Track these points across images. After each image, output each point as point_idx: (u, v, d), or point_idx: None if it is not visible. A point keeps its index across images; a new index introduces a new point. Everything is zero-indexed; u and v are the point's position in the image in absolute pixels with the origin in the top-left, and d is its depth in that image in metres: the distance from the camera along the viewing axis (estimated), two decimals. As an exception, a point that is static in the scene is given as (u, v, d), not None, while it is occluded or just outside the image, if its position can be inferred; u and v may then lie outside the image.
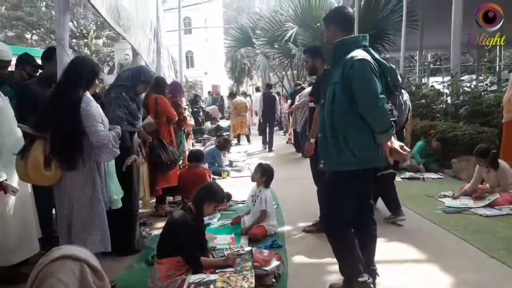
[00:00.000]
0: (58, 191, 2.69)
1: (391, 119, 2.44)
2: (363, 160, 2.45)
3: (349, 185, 2.53)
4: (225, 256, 3.02)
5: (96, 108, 2.67)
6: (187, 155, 5.89)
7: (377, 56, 2.54)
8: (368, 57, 2.43)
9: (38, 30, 31.82)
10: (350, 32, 2.67)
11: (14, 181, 2.79)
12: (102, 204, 2.76)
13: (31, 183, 2.76)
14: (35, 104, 3.07)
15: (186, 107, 10.15)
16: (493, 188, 4.83)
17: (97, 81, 2.79)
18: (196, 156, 5.53)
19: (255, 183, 4.26)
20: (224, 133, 11.59)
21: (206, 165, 6.35)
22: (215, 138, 9.33)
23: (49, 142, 2.55)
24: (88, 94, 2.68)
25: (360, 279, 2.47)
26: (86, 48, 29.15)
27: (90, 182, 2.69)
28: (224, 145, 7.55)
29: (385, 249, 3.54)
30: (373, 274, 2.67)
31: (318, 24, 13.44)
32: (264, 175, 4.19)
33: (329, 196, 2.68)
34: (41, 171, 2.50)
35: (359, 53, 2.43)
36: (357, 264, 2.52)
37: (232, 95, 12.94)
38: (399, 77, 2.68)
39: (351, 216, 2.59)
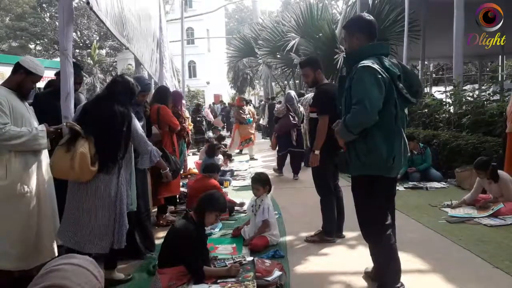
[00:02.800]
0: (80, 189, 2.76)
1: (357, 127, 2.48)
2: (369, 165, 2.52)
3: (366, 189, 2.61)
4: (226, 266, 3.00)
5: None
6: (199, 164, 5.90)
7: (389, 63, 2.55)
8: (375, 65, 2.44)
9: (42, 41, 32.14)
10: (374, 38, 2.70)
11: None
12: (125, 206, 2.91)
13: (68, 178, 2.77)
14: (44, 114, 3.16)
15: (189, 116, 10.20)
16: (496, 198, 4.80)
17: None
18: (211, 168, 5.44)
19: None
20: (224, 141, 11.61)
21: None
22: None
23: (95, 144, 2.72)
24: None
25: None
26: (89, 58, 29.39)
27: (115, 185, 2.84)
28: (211, 151, 7.35)
29: (388, 259, 3.51)
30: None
31: (320, 34, 13.52)
32: (263, 185, 4.13)
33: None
34: (88, 165, 2.64)
35: (367, 61, 2.47)
36: (398, 271, 2.62)
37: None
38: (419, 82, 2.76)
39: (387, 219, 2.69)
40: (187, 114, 10.26)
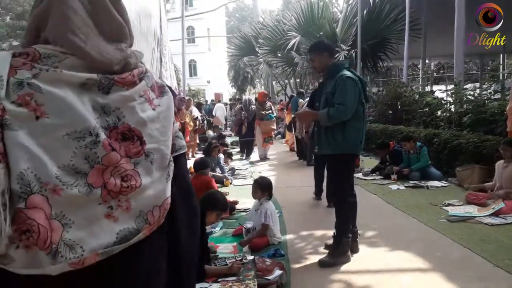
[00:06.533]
0: None
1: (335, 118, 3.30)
2: (345, 146, 3.35)
3: (341, 165, 3.46)
4: (227, 264, 3.00)
5: None
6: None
7: (358, 74, 3.53)
8: (354, 76, 3.33)
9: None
10: (334, 57, 3.85)
11: None
12: None
13: None
14: None
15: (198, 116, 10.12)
16: (500, 188, 4.82)
17: None
18: (200, 164, 5.52)
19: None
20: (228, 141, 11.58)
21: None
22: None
23: None
24: None
25: (347, 239, 3.43)
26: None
27: None
28: (208, 150, 7.43)
29: (388, 258, 3.51)
30: (355, 234, 3.61)
31: (321, 33, 13.52)
32: (263, 190, 4.08)
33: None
34: None
35: (348, 73, 3.35)
36: (350, 225, 3.50)
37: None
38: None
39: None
40: (196, 113, 10.19)
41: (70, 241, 0.85)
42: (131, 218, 0.94)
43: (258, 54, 18.06)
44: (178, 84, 14.76)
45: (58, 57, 0.90)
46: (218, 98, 28.39)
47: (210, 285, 2.69)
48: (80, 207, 0.87)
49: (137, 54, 1.05)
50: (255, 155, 10.56)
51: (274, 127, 10.70)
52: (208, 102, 23.20)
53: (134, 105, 0.97)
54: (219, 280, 2.78)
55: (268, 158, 10.22)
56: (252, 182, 5.20)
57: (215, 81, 37.26)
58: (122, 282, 0.95)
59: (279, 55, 16.94)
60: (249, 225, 4.14)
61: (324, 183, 5.49)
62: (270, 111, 10.22)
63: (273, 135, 10.66)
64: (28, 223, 0.81)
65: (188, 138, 9.03)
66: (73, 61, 0.92)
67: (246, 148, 10.65)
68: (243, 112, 10.19)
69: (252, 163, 9.76)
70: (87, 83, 0.91)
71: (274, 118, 10.73)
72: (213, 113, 16.72)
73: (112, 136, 0.93)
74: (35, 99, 0.85)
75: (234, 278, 2.79)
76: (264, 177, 4.38)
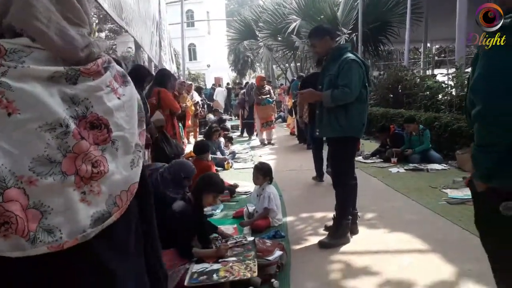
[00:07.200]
0: None
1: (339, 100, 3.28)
2: (348, 129, 3.33)
3: (343, 148, 3.46)
4: (228, 246, 3.03)
5: None
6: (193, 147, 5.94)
7: (361, 57, 3.54)
8: (357, 59, 3.32)
9: (41, 24, 31.74)
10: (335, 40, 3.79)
11: None
12: None
13: None
14: None
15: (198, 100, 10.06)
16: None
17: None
18: (201, 148, 5.54)
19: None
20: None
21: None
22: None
23: None
24: None
25: (347, 221, 3.47)
26: (89, 41, 29.13)
27: None
28: (209, 134, 7.44)
29: (388, 239, 3.55)
30: (355, 216, 3.65)
31: (322, 17, 13.38)
32: (264, 175, 4.11)
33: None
34: None
35: (352, 55, 3.33)
36: (350, 207, 3.53)
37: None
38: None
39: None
40: (196, 97, 10.09)
41: (50, 226, 0.92)
42: (103, 201, 1.01)
43: (258, 38, 17.92)
44: (178, 68, 14.68)
45: (24, 52, 0.93)
46: (218, 82, 28.19)
47: (211, 265, 2.72)
48: (57, 194, 0.93)
49: (99, 44, 1.08)
50: (256, 141, 10.56)
51: (273, 112, 10.34)
52: (208, 87, 23.10)
53: (102, 95, 1.03)
54: (220, 260, 2.81)
55: (272, 144, 9.97)
56: (252, 165, 5.23)
57: (215, 65, 37.02)
58: (98, 257, 1.03)
59: (279, 38, 16.80)
60: (251, 208, 4.17)
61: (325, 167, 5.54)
62: (268, 96, 9.97)
63: (274, 120, 10.45)
64: (6, 215, 0.87)
65: (189, 123, 9.00)
66: (39, 54, 0.95)
67: (246, 129, 11.34)
68: (245, 96, 10.90)
69: (252, 147, 9.76)
70: (54, 75, 0.95)
71: (273, 103, 10.45)
72: (214, 97, 16.67)
73: (81, 125, 0.98)
74: (6, 97, 0.89)
75: (234, 258, 2.82)
76: (263, 163, 4.40)
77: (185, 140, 7.92)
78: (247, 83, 15.47)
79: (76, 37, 1.00)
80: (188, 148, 7.31)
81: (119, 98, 1.08)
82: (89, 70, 1.01)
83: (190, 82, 10.28)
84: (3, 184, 0.87)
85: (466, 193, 4.77)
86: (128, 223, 1.11)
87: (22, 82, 0.90)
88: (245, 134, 11.62)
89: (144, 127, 1.19)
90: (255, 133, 10.86)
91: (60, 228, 0.93)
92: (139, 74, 4.29)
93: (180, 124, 6.30)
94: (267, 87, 10.39)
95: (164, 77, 5.07)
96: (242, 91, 11.92)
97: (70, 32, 0.99)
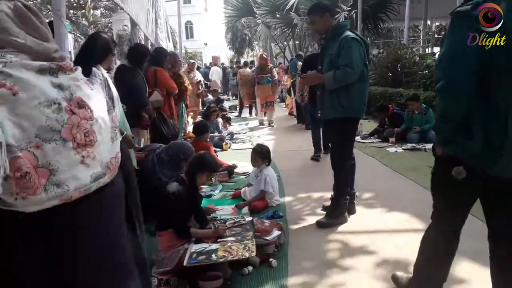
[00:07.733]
0: None
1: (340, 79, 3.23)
2: (350, 109, 3.30)
3: (343, 129, 3.42)
4: (226, 226, 3.05)
5: None
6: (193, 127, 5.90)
7: (360, 36, 3.48)
8: (357, 37, 3.27)
9: (34, 1, 31.18)
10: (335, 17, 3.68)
11: None
12: None
13: None
14: None
15: (200, 80, 9.84)
16: None
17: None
18: (200, 129, 5.51)
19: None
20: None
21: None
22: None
23: None
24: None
25: (345, 200, 3.51)
26: (83, 19, 28.62)
27: None
28: (207, 114, 7.38)
29: (385, 219, 3.58)
30: (353, 196, 3.68)
31: (321, -7, 13.11)
32: (263, 158, 4.12)
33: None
34: None
35: (351, 34, 3.27)
36: (348, 187, 3.56)
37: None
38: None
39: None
40: (199, 76, 9.69)
41: (58, 181, 1.16)
42: (98, 165, 1.27)
43: (256, 15, 17.65)
44: (174, 47, 14.46)
45: (13, 54, 1.19)
46: (215, 61, 27.88)
47: (209, 245, 2.74)
48: (61, 155, 1.17)
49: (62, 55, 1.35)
50: (255, 121, 10.48)
51: (271, 93, 9.93)
52: (203, 66, 22.79)
53: (80, 84, 1.30)
54: (219, 240, 2.83)
55: (273, 126, 9.74)
56: (250, 146, 5.22)
57: (212, 43, 36.53)
58: (95, 208, 1.30)
59: (277, 16, 16.55)
60: (248, 189, 4.19)
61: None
62: (269, 75, 9.71)
63: (274, 100, 10.23)
64: (27, 166, 1.09)
65: (189, 103, 8.73)
66: (25, 55, 1.21)
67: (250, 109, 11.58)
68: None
69: (251, 128, 9.71)
70: (41, 68, 1.21)
71: (273, 83, 9.99)
72: (209, 77, 16.51)
73: (72, 104, 1.23)
74: (8, 82, 1.12)
75: (233, 238, 2.84)
76: (262, 145, 4.38)
77: (188, 120, 7.88)
78: (245, 62, 15.25)
79: (47, 43, 1.29)
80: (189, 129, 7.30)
81: (92, 89, 1.35)
82: (66, 66, 1.28)
83: (193, 61, 9.98)
84: (19, 146, 1.09)
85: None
86: (117, 196, 1.42)
87: (19, 71, 1.15)
88: (243, 114, 11.56)
89: (113, 114, 1.44)
90: (253, 113, 10.77)
91: (67, 183, 1.17)
92: (138, 53, 4.25)
93: (183, 105, 6.23)
94: (270, 65, 10.17)
95: (160, 55, 4.99)
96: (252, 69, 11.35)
97: (42, 42, 1.27)
